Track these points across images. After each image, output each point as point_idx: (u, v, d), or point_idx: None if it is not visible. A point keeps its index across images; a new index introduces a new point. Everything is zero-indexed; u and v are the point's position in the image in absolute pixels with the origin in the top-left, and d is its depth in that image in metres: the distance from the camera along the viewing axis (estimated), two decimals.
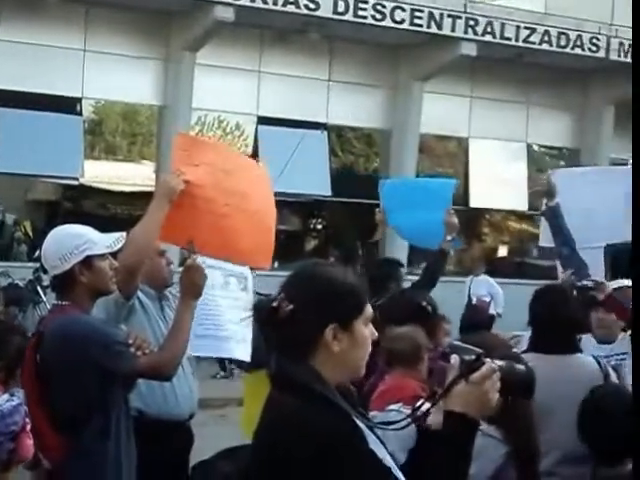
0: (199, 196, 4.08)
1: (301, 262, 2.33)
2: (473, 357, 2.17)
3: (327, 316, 2.18)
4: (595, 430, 3.42)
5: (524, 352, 4.29)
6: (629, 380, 4.63)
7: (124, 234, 3.69)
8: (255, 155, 15.90)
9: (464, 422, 2.12)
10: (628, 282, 5.82)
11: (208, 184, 4.13)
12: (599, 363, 4.25)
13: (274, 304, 2.15)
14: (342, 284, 2.23)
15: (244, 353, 4.55)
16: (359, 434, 2.11)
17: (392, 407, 3.17)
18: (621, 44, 16.53)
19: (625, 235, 6.44)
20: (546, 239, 6.38)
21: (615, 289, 5.48)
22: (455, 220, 6.14)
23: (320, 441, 2.05)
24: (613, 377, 4.26)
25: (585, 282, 5.39)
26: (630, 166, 6.36)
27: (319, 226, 18.39)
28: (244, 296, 4.67)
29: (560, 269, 6.06)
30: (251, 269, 4.72)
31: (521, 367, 2.26)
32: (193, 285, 3.76)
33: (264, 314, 2.17)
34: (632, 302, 3.95)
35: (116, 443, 3.54)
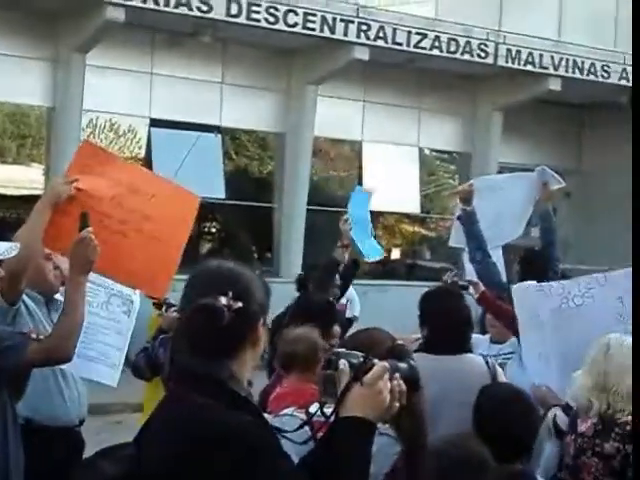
0: (92, 208, 3.96)
1: (217, 262, 2.28)
2: (362, 359, 2.17)
3: (262, 311, 2.22)
4: (488, 431, 3.48)
5: (415, 351, 4.36)
6: (513, 377, 4.78)
7: (18, 244, 3.58)
8: (148, 158, 15.74)
9: (364, 425, 2.12)
10: (534, 283, 6.05)
11: (105, 198, 4.00)
12: (487, 363, 4.35)
13: (224, 302, 2.10)
14: (263, 279, 2.27)
15: (111, 378, 4.45)
16: (276, 437, 2.13)
17: (286, 411, 3.16)
18: (509, 50, 16.94)
19: (514, 234, 6.74)
20: (456, 240, 6.59)
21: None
22: (346, 227, 6.38)
23: (243, 443, 2.03)
24: (501, 376, 4.36)
25: (461, 282, 5.55)
26: (533, 173, 6.68)
27: (213, 229, 18.29)
28: (124, 319, 4.56)
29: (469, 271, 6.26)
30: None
31: (404, 365, 2.26)
32: (83, 259, 3.60)
33: (213, 314, 2.10)
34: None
35: (2, 449, 3.45)
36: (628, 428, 3.64)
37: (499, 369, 4.38)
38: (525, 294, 4.93)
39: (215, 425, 2.06)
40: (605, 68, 17.65)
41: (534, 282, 5.04)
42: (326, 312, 4.88)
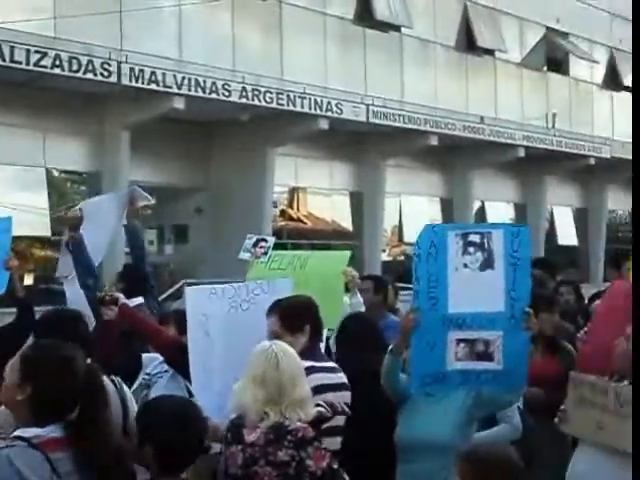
0: None
1: None
2: None
3: None
4: (150, 443, 3.45)
5: None
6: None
7: None
8: None
9: None
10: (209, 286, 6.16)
11: None
12: (113, 382, 4.32)
13: None
14: None
15: None
16: None
17: None
18: (132, 69, 16.94)
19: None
20: (62, 270, 6.45)
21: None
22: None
23: None
24: (129, 398, 4.33)
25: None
26: (124, 191, 6.79)
27: None
28: None
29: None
30: None
31: None
32: None
33: None
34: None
35: None
36: (300, 435, 3.73)
37: (126, 388, 4.37)
38: (198, 296, 4.94)
39: None
40: (226, 87, 18.27)
41: (206, 286, 5.11)
42: None
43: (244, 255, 7.13)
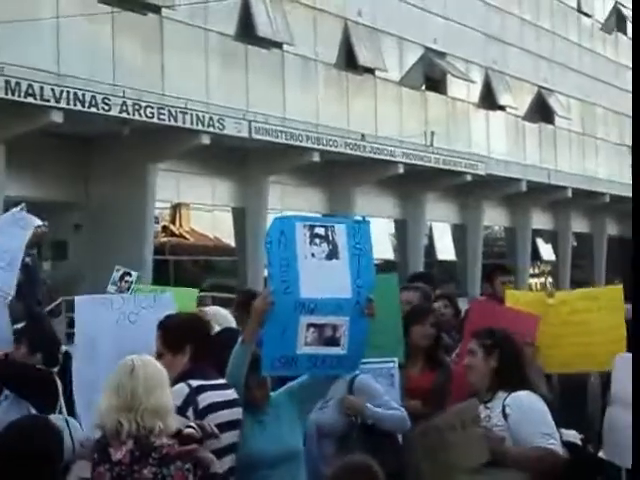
0: None
1: None
2: None
3: None
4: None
5: None
6: None
7: None
8: None
9: None
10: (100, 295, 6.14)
11: None
12: None
13: None
14: None
15: None
16: None
17: None
18: (8, 82, 16.53)
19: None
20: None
21: None
22: None
23: None
24: None
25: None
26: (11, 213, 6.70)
27: None
28: None
29: None
30: None
31: None
32: None
33: None
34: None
35: None
36: (164, 452, 3.72)
37: None
38: (88, 306, 4.90)
39: None
40: (106, 101, 18.02)
41: (96, 295, 5.08)
42: None
43: (111, 288, 7.15)
